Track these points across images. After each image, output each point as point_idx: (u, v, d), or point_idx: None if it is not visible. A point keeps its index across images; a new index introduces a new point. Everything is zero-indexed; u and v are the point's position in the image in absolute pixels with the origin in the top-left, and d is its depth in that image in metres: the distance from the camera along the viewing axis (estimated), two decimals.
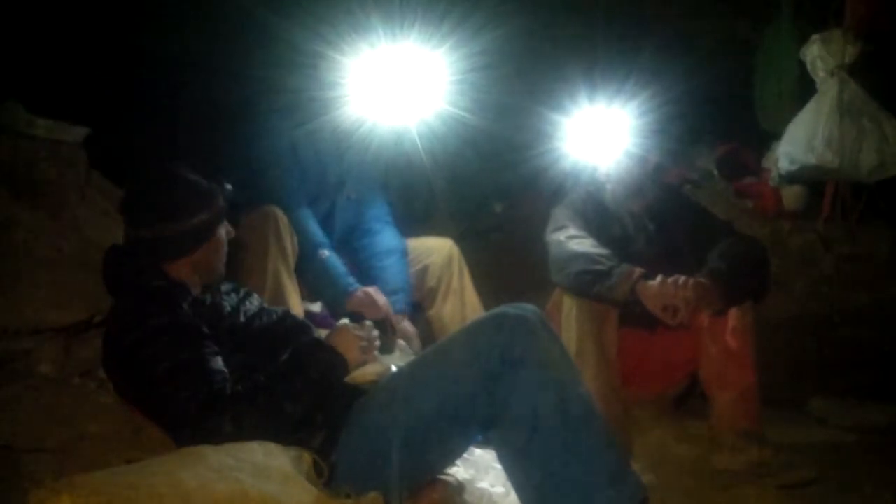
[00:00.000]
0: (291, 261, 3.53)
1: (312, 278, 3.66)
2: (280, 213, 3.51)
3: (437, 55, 3.46)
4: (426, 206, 4.96)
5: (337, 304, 3.63)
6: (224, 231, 2.53)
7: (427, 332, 3.86)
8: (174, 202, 2.42)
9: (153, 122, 4.08)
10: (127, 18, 4.12)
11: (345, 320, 2.58)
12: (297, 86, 3.63)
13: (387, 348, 3.29)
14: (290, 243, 3.52)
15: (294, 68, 3.62)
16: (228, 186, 2.54)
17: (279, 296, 3.42)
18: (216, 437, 2.04)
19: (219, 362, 2.26)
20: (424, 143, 3.77)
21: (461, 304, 3.83)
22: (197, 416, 2.11)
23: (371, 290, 3.64)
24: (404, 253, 3.92)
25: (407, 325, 3.72)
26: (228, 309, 2.58)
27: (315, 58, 3.49)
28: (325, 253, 3.63)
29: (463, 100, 3.65)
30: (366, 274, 3.78)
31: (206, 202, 2.45)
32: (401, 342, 3.60)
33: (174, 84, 4.21)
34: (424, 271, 3.89)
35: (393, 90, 3.51)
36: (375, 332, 2.55)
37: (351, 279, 3.65)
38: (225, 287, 2.63)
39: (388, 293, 3.70)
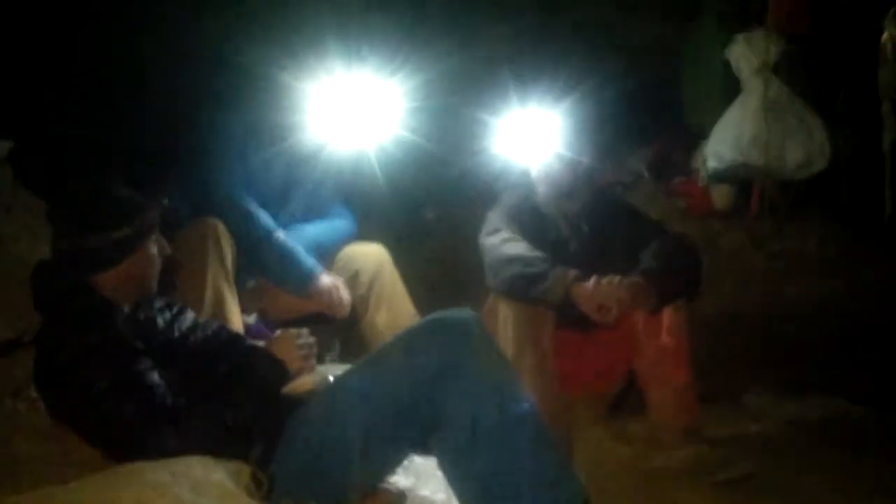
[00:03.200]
0: (231, 271, 3.45)
1: (271, 263, 3.55)
2: (220, 225, 3.42)
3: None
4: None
5: (301, 286, 3.55)
6: (155, 247, 2.45)
7: (360, 343, 3.82)
8: (95, 214, 2.36)
9: (84, 134, 4.01)
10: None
11: (279, 331, 2.56)
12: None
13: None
14: (229, 253, 3.43)
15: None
16: (165, 202, 2.50)
17: (219, 306, 3.35)
18: (160, 452, 2.02)
19: (156, 377, 2.22)
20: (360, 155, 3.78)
21: (395, 312, 3.74)
22: (140, 432, 2.09)
23: (340, 282, 3.61)
24: (349, 231, 3.92)
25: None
26: (162, 325, 2.52)
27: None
28: (281, 235, 3.55)
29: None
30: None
31: (129, 216, 2.37)
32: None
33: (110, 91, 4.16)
34: (355, 278, 3.79)
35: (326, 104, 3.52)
36: (313, 339, 2.53)
37: (314, 260, 3.59)
38: (158, 303, 2.57)
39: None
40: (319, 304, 3.59)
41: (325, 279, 3.57)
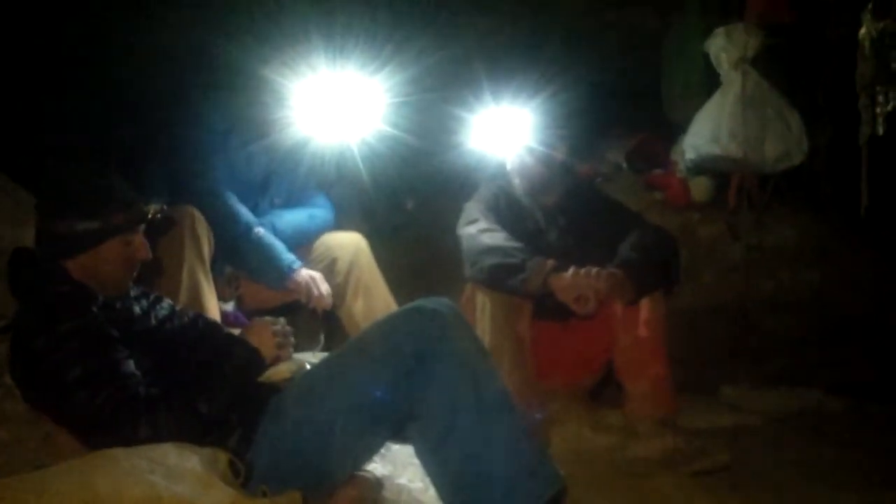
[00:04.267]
0: (207, 259, 3.43)
1: (251, 258, 3.54)
2: (196, 213, 3.40)
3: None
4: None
5: (279, 280, 3.54)
6: (122, 248, 2.40)
7: (339, 332, 3.82)
8: (64, 202, 2.35)
9: (63, 126, 3.99)
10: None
11: (255, 319, 2.55)
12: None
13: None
14: (206, 242, 3.42)
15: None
16: (154, 206, 2.48)
17: (195, 294, 3.34)
18: (131, 440, 2.02)
19: (131, 366, 2.21)
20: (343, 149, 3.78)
21: (372, 300, 3.73)
22: (112, 421, 2.08)
23: (317, 275, 3.59)
24: (328, 221, 3.92)
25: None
26: (139, 313, 2.51)
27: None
28: (261, 230, 3.53)
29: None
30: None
31: (97, 210, 2.35)
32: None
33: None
34: (331, 266, 3.78)
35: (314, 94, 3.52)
36: (290, 328, 2.52)
37: (293, 255, 3.57)
38: (134, 292, 2.55)
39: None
40: (300, 296, 3.57)
41: (303, 274, 3.55)
